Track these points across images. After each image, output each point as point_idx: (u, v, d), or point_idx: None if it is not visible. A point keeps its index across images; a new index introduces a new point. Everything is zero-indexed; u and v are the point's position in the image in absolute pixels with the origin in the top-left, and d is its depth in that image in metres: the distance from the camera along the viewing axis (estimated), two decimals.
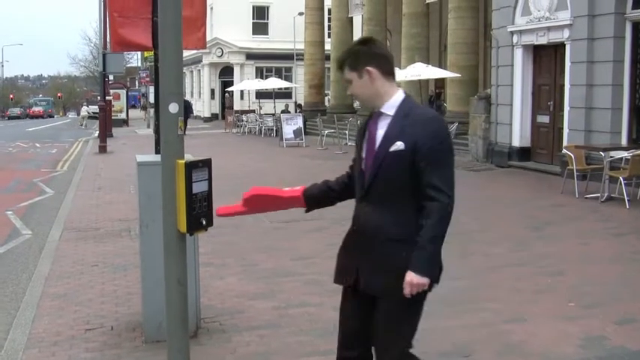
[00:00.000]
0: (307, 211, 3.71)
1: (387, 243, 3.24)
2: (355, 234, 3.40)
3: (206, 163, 3.70)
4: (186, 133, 3.71)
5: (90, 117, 48.67)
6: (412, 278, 3.13)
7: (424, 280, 3.15)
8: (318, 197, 3.66)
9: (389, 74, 3.33)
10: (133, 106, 63.16)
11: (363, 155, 3.36)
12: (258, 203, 3.71)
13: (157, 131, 6.09)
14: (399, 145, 3.17)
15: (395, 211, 3.24)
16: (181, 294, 3.67)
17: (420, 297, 3.27)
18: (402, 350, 3.36)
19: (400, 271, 3.17)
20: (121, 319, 5.90)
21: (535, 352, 5.05)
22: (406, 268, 3.15)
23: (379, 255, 3.27)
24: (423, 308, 3.41)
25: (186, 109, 28.63)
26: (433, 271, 3.20)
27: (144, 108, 48.18)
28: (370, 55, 3.29)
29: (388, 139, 3.21)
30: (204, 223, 3.66)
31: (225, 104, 46.77)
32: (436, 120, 3.24)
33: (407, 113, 3.22)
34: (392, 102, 3.28)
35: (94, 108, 35.73)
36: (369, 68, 3.26)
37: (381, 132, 3.26)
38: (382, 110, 3.29)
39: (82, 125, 48.46)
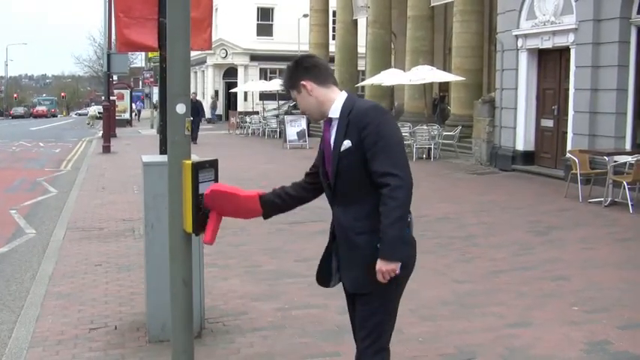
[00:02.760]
0: (265, 217, 3.70)
1: (354, 238, 3.37)
2: (332, 236, 3.55)
3: (212, 164, 3.71)
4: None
5: (97, 117, 48.98)
6: (380, 266, 3.24)
7: (392, 266, 3.24)
8: (275, 203, 3.66)
9: (326, 82, 3.46)
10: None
11: (325, 162, 3.49)
12: (218, 201, 3.62)
13: (161, 132, 6.11)
14: (346, 144, 3.31)
15: (359, 207, 3.35)
16: (186, 294, 3.68)
17: (392, 292, 3.39)
18: (376, 344, 3.43)
19: (369, 264, 3.28)
20: (124, 319, 5.91)
21: (539, 356, 5.04)
22: (375, 261, 3.27)
23: (349, 251, 3.41)
24: (397, 304, 3.50)
25: (198, 110, 28.25)
26: (399, 253, 3.25)
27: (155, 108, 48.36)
28: (301, 70, 3.45)
29: (338, 140, 3.36)
30: None
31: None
32: (372, 109, 3.33)
33: (350, 111, 3.35)
34: (335, 106, 3.42)
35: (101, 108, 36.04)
36: (303, 82, 3.43)
37: (332, 136, 3.41)
38: (330, 115, 3.44)
39: (89, 124, 48.82)
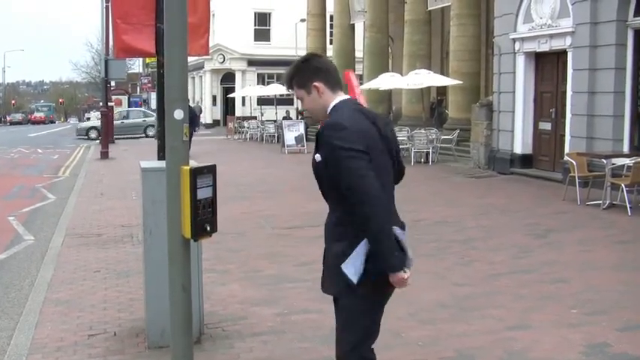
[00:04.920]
0: None
1: (334, 244, 3.37)
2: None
3: (211, 170, 3.72)
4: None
5: None
6: (391, 279, 3.26)
7: (398, 276, 3.24)
8: None
9: (334, 86, 3.43)
10: None
11: None
12: None
13: (159, 137, 6.10)
14: (317, 157, 3.31)
15: (336, 214, 3.36)
16: (185, 300, 3.68)
17: (369, 298, 3.35)
18: (352, 348, 3.44)
19: (340, 270, 3.29)
20: (123, 325, 5.90)
21: (538, 359, 5.05)
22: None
23: (330, 257, 3.42)
24: (381, 307, 3.49)
25: (192, 119, 27.96)
26: (394, 263, 3.24)
27: None
28: (313, 71, 3.40)
29: (315, 151, 3.36)
30: (208, 229, 3.67)
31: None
32: (330, 126, 3.25)
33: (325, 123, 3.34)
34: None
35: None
36: (316, 84, 3.38)
37: None
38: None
39: None
